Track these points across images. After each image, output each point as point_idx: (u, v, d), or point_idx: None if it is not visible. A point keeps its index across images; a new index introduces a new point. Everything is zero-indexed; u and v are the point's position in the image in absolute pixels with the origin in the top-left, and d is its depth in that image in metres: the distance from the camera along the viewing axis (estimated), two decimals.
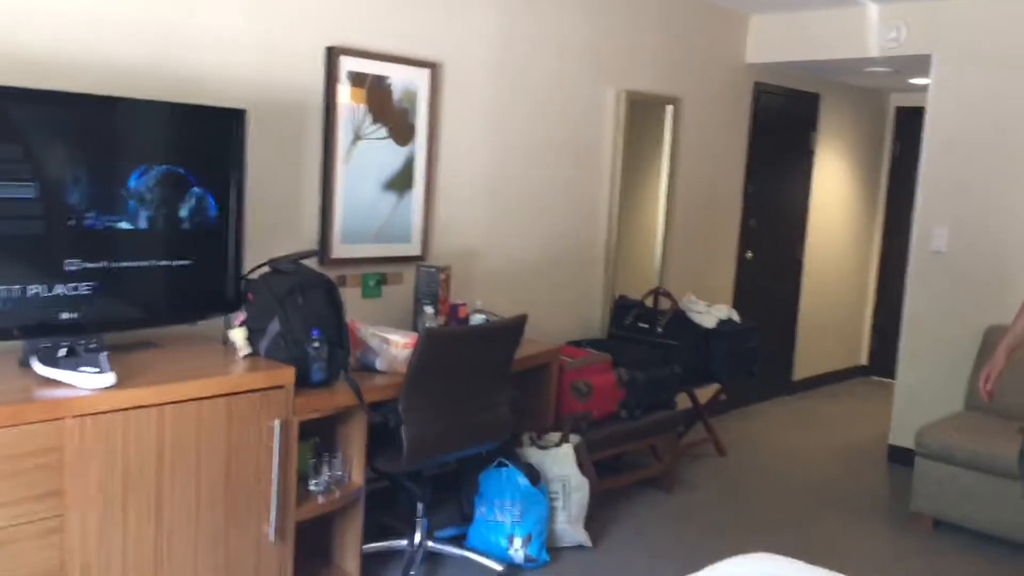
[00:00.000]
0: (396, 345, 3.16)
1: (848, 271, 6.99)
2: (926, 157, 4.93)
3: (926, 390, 4.90)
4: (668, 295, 4.82)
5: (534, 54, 4.29)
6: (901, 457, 5.00)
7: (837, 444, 5.43)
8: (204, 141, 2.88)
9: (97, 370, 2.41)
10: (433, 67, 3.83)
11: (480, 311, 3.71)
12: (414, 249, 3.90)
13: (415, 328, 3.73)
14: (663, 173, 5.10)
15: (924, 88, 6.48)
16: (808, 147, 6.30)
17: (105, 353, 2.47)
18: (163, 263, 2.80)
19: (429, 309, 3.58)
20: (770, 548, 2.52)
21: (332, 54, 3.47)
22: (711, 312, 4.77)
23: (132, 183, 2.68)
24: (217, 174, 2.88)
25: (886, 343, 7.17)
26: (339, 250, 3.62)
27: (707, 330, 4.66)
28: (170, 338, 2.98)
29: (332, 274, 3.45)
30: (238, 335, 2.89)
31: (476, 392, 3.23)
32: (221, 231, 2.91)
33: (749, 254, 5.89)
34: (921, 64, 5.23)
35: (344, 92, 3.52)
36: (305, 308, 2.90)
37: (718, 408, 5.45)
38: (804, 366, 6.62)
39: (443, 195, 4.00)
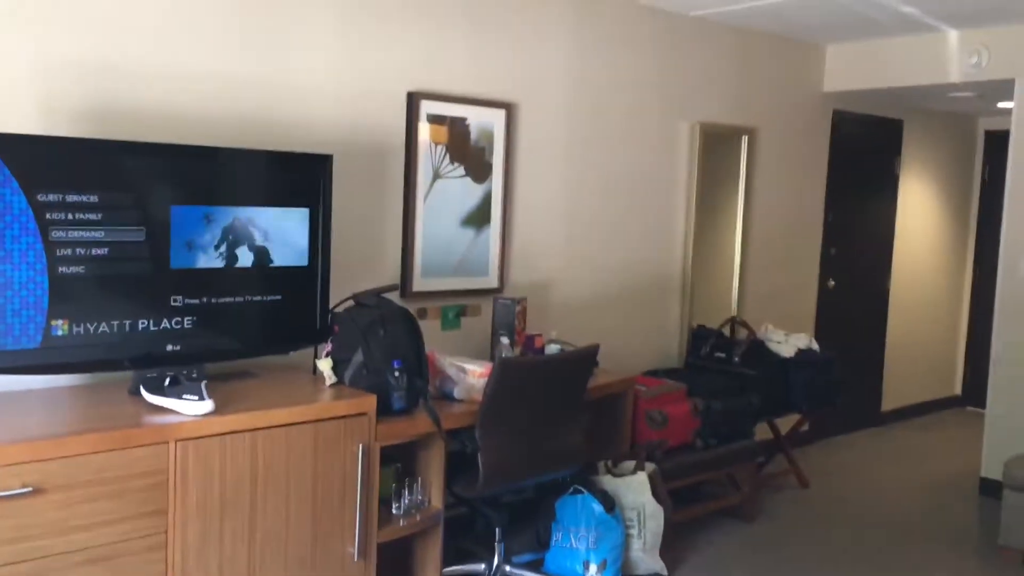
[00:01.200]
0: (473, 374, 3.30)
1: (939, 299, 6.84)
2: (1011, 183, 4.84)
3: (1018, 420, 4.77)
4: (745, 324, 4.84)
5: (607, 90, 4.41)
6: (992, 490, 4.85)
7: (926, 476, 5.31)
8: (295, 185, 3.11)
9: (197, 398, 2.62)
10: (508, 107, 4.00)
11: (555, 341, 3.82)
12: (491, 282, 4.05)
13: (492, 358, 3.87)
14: (739, 203, 5.13)
15: (998, 112, 6.37)
16: (893, 173, 6.23)
17: (205, 382, 2.68)
18: (257, 298, 3.02)
19: (505, 340, 3.72)
20: None
21: (413, 98, 3.67)
22: (789, 341, 4.76)
23: (227, 225, 2.91)
24: (306, 215, 3.09)
25: (980, 372, 6.94)
26: (419, 284, 3.79)
27: (785, 359, 4.65)
28: (264, 367, 3.19)
29: (412, 307, 3.63)
30: (325, 365, 3.07)
31: (550, 420, 3.34)
32: (310, 268, 3.12)
33: (831, 283, 5.84)
34: (1007, 88, 5.15)
35: (424, 133, 3.72)
36: (386, 340, 3.07)
37: (801, 439, 5.40)
38: (893, 396, 6.49)
39: (519, 229, 4.15)
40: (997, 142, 6.79)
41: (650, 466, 3.85)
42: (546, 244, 4.28)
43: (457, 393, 3.32)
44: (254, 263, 2.99)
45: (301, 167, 3.11)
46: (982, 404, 6.87)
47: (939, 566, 4.01)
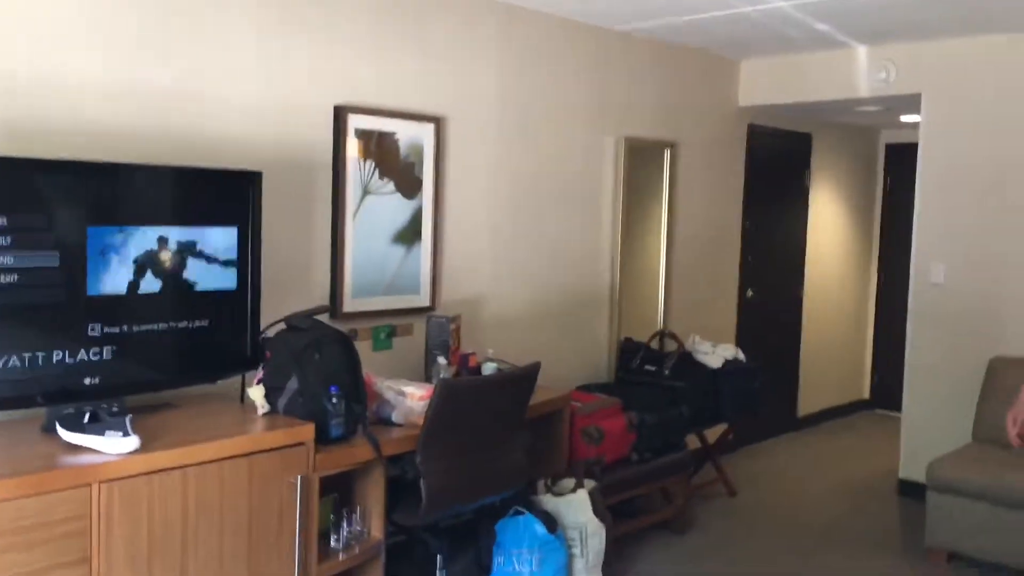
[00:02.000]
0: (412, 397, 3.19)
1: (847, 305, 7.05)
2: (920, 194, 5.02)
3: (933, 422, 4.94)
4: (674, 336, 4.86)
5: (535, 104, 4.37)
6: (911, 491, 5.01)
7: (846, 480, 5.44)
8: (222, 203, 2.94)
9: (121, 434, 2.43)
10: (438, 121, 3.91)
11: (492, 359, 3.74)
12: (423, 300, 3.94)
13: (427, 379, 3.76)
14: (663, 216, 5.17)
15: (915, 125, 6.62)
16: (803, 185, 6.40)
17: (128, 417, 2.49)
18: (182, 325, 2.83)
19: (442, 360, 3.61)
20: None
21: (340, 112, 3.54)
22: (716, 352, 4.81)
23: (150, 248, 2.73)
24: (234, 235, 2.92)
25: (887, 376, 7.21)
26: (350, 304, 3.66)
27: (714, 370, 4.69)
28: (190, 398, 3.00)
29: (343, 328, 3.49)
30: (256, 393, 2.91)
31: (492, 441, 3.25)
32: (239, 291, 2.95)
33: (750, 292, 5.95)
34: (912, 102, 5.35)
35: (352, 148, 3.59)
36: (322, 364, 2.93)
37: (725, 447, 5.46)
38: (807, 402, 6.65)
39: (450, 246, 4.05)
40: (898, 154, 7.08)
41: (589, 483, 3.80)
42: (476, 260, 4.19)
43: (396, 417, 3.20)
44: (179, 287, 2.81)
45: (228, 184, 2.95)
46: (890, 407, 7.18)
47: (869, 568, 4.09)
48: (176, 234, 2.78)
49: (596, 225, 4.79)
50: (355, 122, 3.59)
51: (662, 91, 5.10)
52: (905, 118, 6.23)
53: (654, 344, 4.93)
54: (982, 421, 4.50)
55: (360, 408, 3.00)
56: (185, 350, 2.88)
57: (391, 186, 3.77)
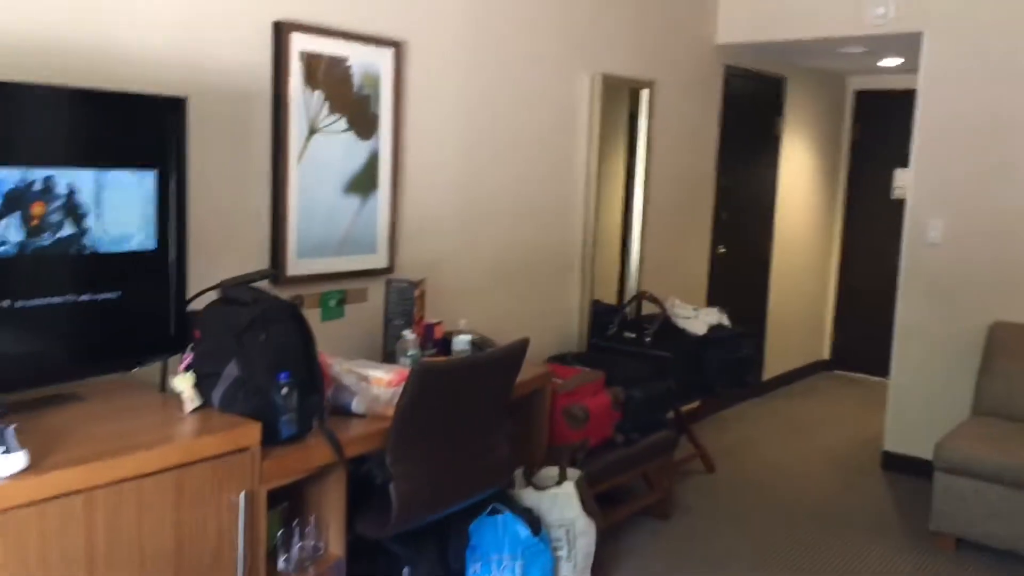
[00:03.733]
0: (379, 383, 2.61)
1: (811, 263, 6.70)
2: (918, 144, 4.60)
3: (924, 392, 4.60)
4: (655, 300, 4.37)
5: (505, 31, 3.76)
6: (898, 465, 4.70)
7: (825, 451, 5.09)
8: (135, 139, 2.26)
9: (3, 450, 1.79)
10: (397, 46, 3.27)
11: (464, 332, 3.17)
12: (380, 260, 3.33)
13: (387, 354, 3.18)
14: (639, 165, 4.64)
15: (890, 70, 6.24)
16: (775, 134, 5.95)
17: (13, 427, 1.84)
18: (84, 298, 2.17)
19: (408, 334, 3.02)
20: None
21: (281, 30, 2.87)
22: (699, 317, 4.35)
23: (37, 195, 2.05)
24: (152, 180, 2.26)
25: (848, 336, 6.93)
26: (295, 266, 3.03)
27: (698, 338, 4.23)
28: (98, 388, 2.35)
29: (286, 295, 2.89)
30: (184, 383, 2.28)
31: (475, 433, 2.71)
32: (158, 252, 2.30)
33: (721, 249, 5.51)
34: (896, 44, 4.92)
35: (296, 75, 2.93)
36: (268, 345, 2.32)
37: (694, 418, 5.05)
38: (772, 365, 6.29)
39: (410, 196, 3.45)
40: (868, 102, 6.70)
41: (574, 473, 3.30)
42: (440, 214, 3.60)
43: (356, 407, 2.61)
44: (78, 248, 2.15)
45: (143, 114, 2.27)
46: (850, 368, 6.93)
47: (870, 554, 3.73)
48: (74, 177, 2.11)
49: (569, 173, 4.23)
50: (300, 43, 2.92)
51: (638, 22, 4.54)
52: (884, 62, 5.82)
53: (630, 308, 4.43)
54: (984, 392, 4.16)
55: (316, 399, 2.41)
56: (90, 331, 2.23)
57: (343, 123, 3.12)
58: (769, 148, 5.92)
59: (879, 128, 6.67)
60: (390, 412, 2.55)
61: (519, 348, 2.75)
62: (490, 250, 3.84)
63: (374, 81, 3.20)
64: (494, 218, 3.83)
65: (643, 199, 4.66)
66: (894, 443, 4.73)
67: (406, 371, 2.58)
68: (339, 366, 2.64)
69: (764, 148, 5.88)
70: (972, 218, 4.43)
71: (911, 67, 5.93)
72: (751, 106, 5.63)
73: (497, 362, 2.70)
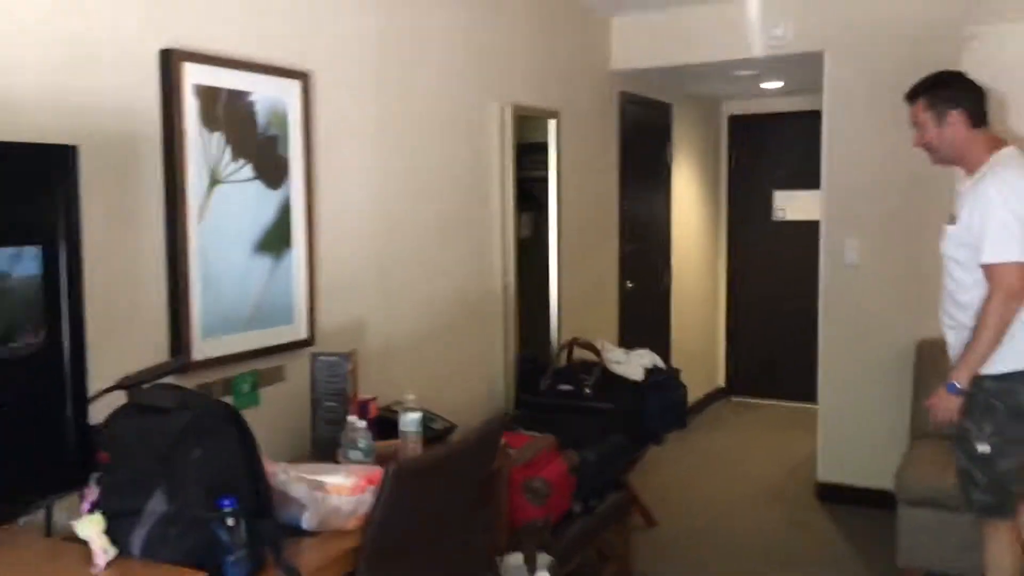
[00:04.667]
0: (338, 491, 2.08)
1: (703, 290, 6.58)
2: (827, 165, 4.51)
3: (854, 417, 4.47)
4: (589, 347, 4.01)
5: (414, 58, 3.32)
6: (833, 495, 4.54)
7: (754, 484, 4.89)
8: (12, 204, 1.67)
9: None
10: (304, 78, 2.77)
11: (412, 408, 2.67)
12: (298, 331, 2.79)
13: (317, 444, 2.65)
14: (552, 198, 4.30)
15: (760, 95, 6.24)
16: (666, 161, 5.78)
17: None
18: None
19: (358, 422, 2.49)
20: None
21: (170, 60, 2.32)
22: (632, 361, 4.02)
23: None
24: (37, 257, 1.67)
25: (741, 361, 6.86)
26: (200, 348, 2.45)
27: (637, 384, 3.90)
28: None
29: (190, 384, 2.33)
30: (90, 528, 1.70)
31: (453, 532, 2.24)
32: (49, 350, 1.70)
33: (629, 284, 5.25)
34: (793, 65, 4.86)
35: (191, 114, 2.38)
36: (205, 465, 1.77)
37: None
38: None
39: (327, 252, 2.93)
40: (741, 126, 6.69)
41: (545, 559, 2.87)
42: (357, 269, 3.10)
43: (308, 522, 2.07)
44: None
45: (17, 172, 1.68)
46: (746, 394, 6.84)
47: None
48: None
49: (485, 212, 3.83)
50: (194, 74, 2.38)
51: (541, 51, 4.22)
52: (766, 85, 5.80)
53: (562, 357, 4.06)
54: (923, 414, 4.04)
55: (269, 525, 1.87)
56: None
57: (249, 170, 2.59)
58: (662, 176, 5.75)
59: (755, 151, 6.67)
60: (352, 525, 2.05)
61: (496, 427, 2.31)
62: (410, 306, 3.36)
63: (281, 119, 2.68)
64: (412, 268, 3.36)
65: (557, 235, 4.32)
66: (828, 472, 4.58)
67: (373, 473, 2.08)
68: (284, 473, 2.10)
69: (657, 176, 5.70)
70: (889, 236, 4.36)
71: (791, 89, 5.97)
72: (644, 133, 5.43)
73: (477, 447, 2.24)
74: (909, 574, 3.61)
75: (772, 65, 4.90)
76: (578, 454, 3.28)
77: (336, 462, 2.45)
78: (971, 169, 2.80)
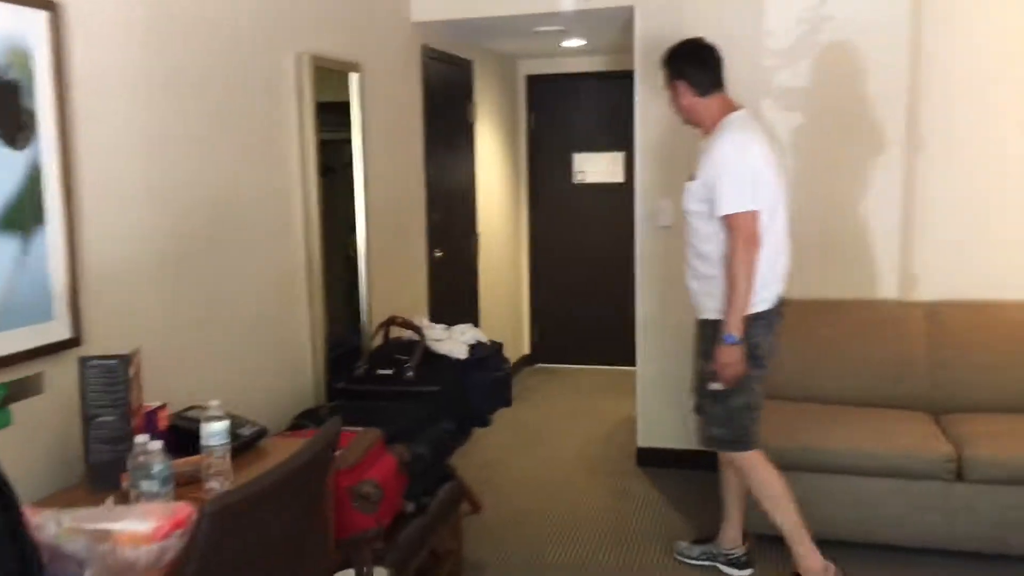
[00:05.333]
0: (132, 541, 1.61)
1: (507, 256, 6.38)
2: (640, 127, 4.37)
3: (673, 382, 4.40)
4: (409, 324, 3.64)
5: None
6: (653, 459, 4.48)
7: (574, 456, 4.75)
8: None
9: None
10: (52, 9, 2.18)
11: (217, 416, 2.20)
12: (60, 330, 2.23)
13: (94, 470, 2.12)
14: (359, 162, 3.86)
15: (560, 53, 6.07)
16: (469, 121, 5.48)
17: None
18: None
19: (152, 444, 1.97)
20: None
21: None
22: (453, 337, 3.71)
23: None
24: None
25: (545, 327, 6.75)
26: None
27: (461, 362, 3.59)
28: None
29: None
30: None
31: (283, 565, 1.83)
32: None
33: (438, 253, 4.91)
34: (601, 22, 4.69)
35: None
36: None
37: None
38: None
39: (93, 229, 2.37)
40: (540, 87, 6.50)
41: (380, 573, 2.52)
42: (136, 252, 2.54)
43: None
44: None
45: None
46: (551, 360, 6.75)
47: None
48: None
49: (284, 178, 3.35)
50: None
51: None
52: (568, 43, 5.61)
53: (378, 338, 3.67)
54: None
55: None
56: None
57: None
58: (465, 138, 5.44)
59: (554, 113, 6.52)
60: None
61: (332, 438, 1.92)
62: (199, 291, 2.84)
63: (23, 61, 2.09)
64: (199, 245, 2.84)
65: (365, 204, 3.90)
66: (647, 438, 4.52)
67: (179, 514, 1.63)
68: (55, 524, 1.60)
69: (461, 138, 5.38)
70: None
71: (592, 48, 5.84)
72: (447, 91, 5.09)
73: (310, 465, 1.83)
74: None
75: (579, 20, 4.69)
76: (408, 448, 2.93)
77: (122, 493, 1.96)
78: (707, 130, 3.09)
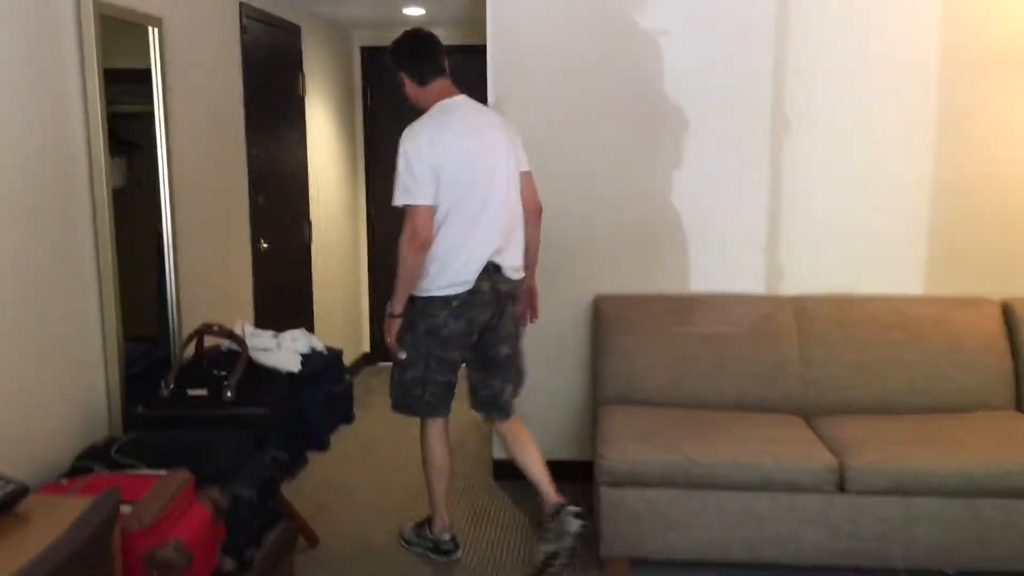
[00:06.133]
0: None
1: (345, 247, 5.80)
2: (493, 103, 3.93)
3: (530, 383, 4.00)
4: (230, 334, 3.02)
5: None
6: (510, 472, 4.06)
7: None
8: None
9: None
10: None
11: None
12: None
13: None
14: (160, 136, 3.20)
15: (398, 23, 5.53)
16: (299, 94, 4.85)
17: None
18: None
19: None
20: None
21: None
22: (283, 346, 3.14)
23: None
24: None
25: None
26: None
27: (293, 376, 3.03)
28: None
29: None
30: None
31: None
32: None
33: (264, 244, 4.29)
34: None
35: None
36: None
37: None
38: None
39: None
40: (375, 60, 5.94)
41: None
42: None
43: None
44: None
45: None
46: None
47: None
48: None
49: (62, 155, 2.66)
50: None
51: None
52: (408, 11, 5.09)
53: (189, 351, 3.05)
54: (606, 377, 3.70)
55: None
56: None
57: None
58: (295, 113, 4.82)
59: (394, 89, 5.96)
60: None
61: (107, 512, 1.35)
62: None
63: None
64: None
65: (168, 187, 3.24)
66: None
67: None
68: None
69: (290, 113, 4.76)
70: (560, 180, 3.92)
71: (432, 19, 5.35)
72: (271, 60, 4.45)
73: (81, 553, 1.26)
74: (613, 564, 3.23)
75: None
76: (224, 492, 2.36)
77: None
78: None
